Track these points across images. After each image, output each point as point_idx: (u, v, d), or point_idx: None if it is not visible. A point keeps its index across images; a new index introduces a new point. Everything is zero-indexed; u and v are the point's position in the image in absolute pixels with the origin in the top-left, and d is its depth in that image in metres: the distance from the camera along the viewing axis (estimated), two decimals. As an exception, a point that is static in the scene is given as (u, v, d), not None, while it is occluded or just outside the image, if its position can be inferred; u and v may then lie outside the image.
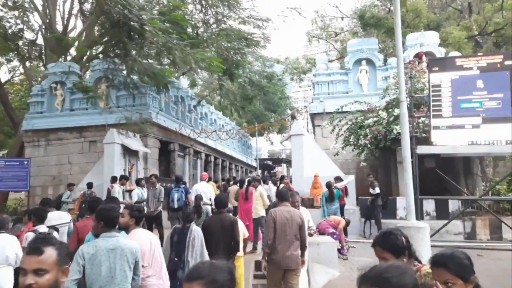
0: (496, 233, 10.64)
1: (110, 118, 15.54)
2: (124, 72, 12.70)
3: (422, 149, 9.55)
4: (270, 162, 38.60)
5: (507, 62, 9.09)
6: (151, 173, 16.65)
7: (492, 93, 9.12)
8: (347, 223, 9.36)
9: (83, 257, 3.39)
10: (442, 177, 11.30)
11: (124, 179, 10.24)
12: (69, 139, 17.16)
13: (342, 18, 24.74)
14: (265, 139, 38.73)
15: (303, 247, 5.23)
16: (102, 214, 3.62)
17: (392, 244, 2.43)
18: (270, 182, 14.75)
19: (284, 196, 5.34)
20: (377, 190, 10.82)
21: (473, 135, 9.15)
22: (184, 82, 32.59)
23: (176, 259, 5.09)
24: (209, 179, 18.88)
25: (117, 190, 9.78)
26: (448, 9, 20.94)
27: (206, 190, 12.38)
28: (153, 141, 17.16)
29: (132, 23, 8.42)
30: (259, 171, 32.49)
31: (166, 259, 5.12)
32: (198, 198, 11.27)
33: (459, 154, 9.62)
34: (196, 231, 5.05)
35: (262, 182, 14.06)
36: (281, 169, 37.21)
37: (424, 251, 5.78)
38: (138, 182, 10.05)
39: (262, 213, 9.43)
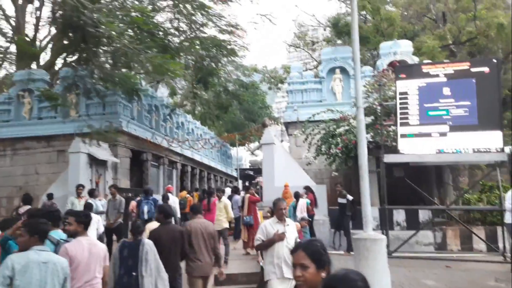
0: (467, 243, 10.44)
1: (79, 127, 15.07)
2: (91, 79, 12.29)
3: (389, 158, 9.32)
4: (251, 172, 38.20)
5: (474, 69, 8.95)
6: (121, 183, 16.22)
7: (458, 100, 8.96)
8: (307, 222, 9.01)
9: (13, 268, 3.27)
10: (417, 186, 11.10)
11: (80, 188, 9.75)
12: (37, 149, 16.60)
13: (325, 29, 24.69)
14: (246, 149, 38.39)
15: (216, 256, 5.58)
16: (36, 228, 3.57)
17: (317, 252, 2.14)
18: (242, 192, 14.40)
19: (197, 209, 5.82)
20: (350, 197, 10.53)
21: (440, 143, 8.95)
22: (164, 91, 32.21)
23: (126, 274, 4.81)
24: (183, 190, 18.53)
25: (71, 201, 9.31)
26: (424, 19, 21.05)
27: (172, 201, 12.12)
28: (124, 150, 16.70)
29: (87, 27, 8.06)
30: (240, 181, 32.08)
31: (114, 275, 4.86)
32: (166, 198, 11.02)
33: (426, 162, 9.40)
34: (148, 244, 4.82)
35: (234, 192, 13.79)
36: (263, 179, 36.86)
37: (380, 264, 5.49)
38: (91, 193, 9.58)
39: (226, 225, 9.08)
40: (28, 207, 8.95)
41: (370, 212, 5.87)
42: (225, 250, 8.77)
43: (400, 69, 9.89)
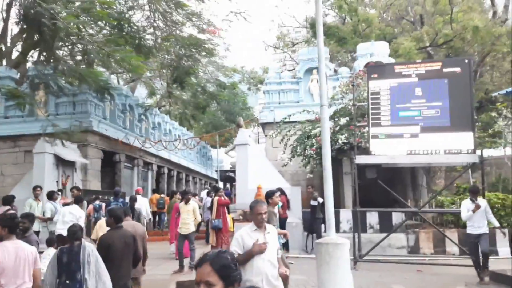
0: (440, 247, 10.29)
1: (46, 127, 14.53)
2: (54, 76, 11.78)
3: (360, 159, 9.10)
4: (232, 174, 37.70)
5: (446, 70, 8.80)
6: (91, 185, 15.70)
7: (430, 101, 8.79)
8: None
9: None
10: (391, 189, 10.96)
11: (37, 190, 9.28)
12: (2, 149, 15.96)
13: (308, 31, 24.49)
14: (226, 151, 37.96)
15: (144, 258, 5.68)
16: None
17: (227, 266, 1.79)
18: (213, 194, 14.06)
19: (126, 212, 5.71)
20: (320, 199, 10.28)
21: (412, 145, 8.77)
22: (143, 91, 31.60)
23: (68, 281, 4.52)
24: (155, 191, 18.13)
25: (29, 204, 8.83)
26: (403, 22, 21.07)
27: (142, 203, 11.74)
28: (95, 151, 16.18)
29: (43, 19, 7.62)
30: (221, 183, 31.60)
31: (51, 284, 4.55)
32: (133, 199, 10.68)
33: (398, 164, 9.19)
34: (90, 247, 4.61)
35: (206, 195, 13.46)
36: (236, 181, 36.28)
37: (343, 270, 5.22)
38: (50, 196, 9.10)
39: (193, 228, 8.72)
40: (7, 207, 8.56)
41: (333, 215, 5.59)
42: (191, 255, 8.42)
43: (372, 69, 9.70)
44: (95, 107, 16.43)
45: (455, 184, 12.73)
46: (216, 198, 9.63)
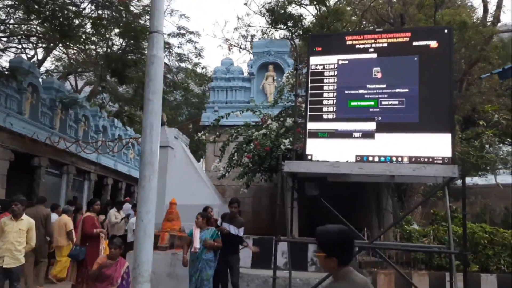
0: (405, 294, 7.47)
1: None
2: None
3: (291, 166, 6.27)
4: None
5: (416, 43, 6.19)
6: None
7: (393, 87, 6.13)
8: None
9: None
10: (354, 212, 8.27)
11: None
12: None
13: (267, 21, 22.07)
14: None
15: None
16: None
17: None
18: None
19: None
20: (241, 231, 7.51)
21: (364, 148, 6.05)
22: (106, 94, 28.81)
23: None
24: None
25: None
26: (385, 26, 18.73)
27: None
28: (0, 150, 13.27)
29: None
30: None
31: None
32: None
33: (349, 177, 6.34)
34: None
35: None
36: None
37: None
38: None
39: (22, 259, 5.81)
40: None
41: (150, 255, 2.78)
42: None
43: (315, 39, 6.97)
44: (6, 98, 13.61)
45: (431, 211, 10.07)
46: (87, 215, 6.66)
